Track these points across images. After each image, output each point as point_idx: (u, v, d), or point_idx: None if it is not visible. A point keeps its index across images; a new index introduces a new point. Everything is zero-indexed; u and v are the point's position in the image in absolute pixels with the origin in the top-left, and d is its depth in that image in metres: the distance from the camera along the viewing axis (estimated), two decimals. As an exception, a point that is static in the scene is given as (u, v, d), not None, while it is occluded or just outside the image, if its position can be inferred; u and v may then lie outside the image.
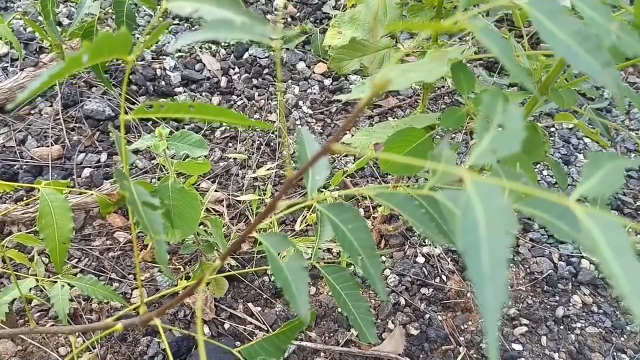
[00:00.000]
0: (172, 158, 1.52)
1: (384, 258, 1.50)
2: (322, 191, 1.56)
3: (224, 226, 1.50)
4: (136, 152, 1.66)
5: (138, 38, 2.00)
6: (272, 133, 1.76)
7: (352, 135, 1.13)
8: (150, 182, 1.61)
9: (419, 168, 0.88)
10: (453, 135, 1.76)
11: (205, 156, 1.57)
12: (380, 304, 1.39)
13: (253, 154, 1.70)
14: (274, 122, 1.80)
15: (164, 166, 1.62)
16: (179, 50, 1.99)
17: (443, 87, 1.95)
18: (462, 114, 0.84)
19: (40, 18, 1.90)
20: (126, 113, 0.46)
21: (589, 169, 0.29)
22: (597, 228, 0.25)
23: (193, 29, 2.08)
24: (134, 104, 1.78)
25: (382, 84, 0.29)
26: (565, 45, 0.30)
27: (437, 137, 1.43)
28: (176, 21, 2.10)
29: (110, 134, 1.72)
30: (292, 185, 0.38)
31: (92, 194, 1.06)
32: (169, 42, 1.99)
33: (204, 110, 0.45)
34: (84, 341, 1.32)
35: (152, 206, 0.45)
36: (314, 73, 1.98)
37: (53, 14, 1.25)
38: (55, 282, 1.09)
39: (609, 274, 0.24)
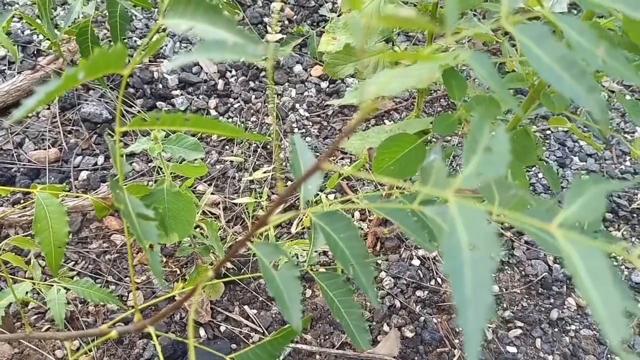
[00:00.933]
0: (168, 161, 1.52)
1: (379, 261, 1.50)
2: (318, 194, 1.57)
3: (220, 229, 1.51)
4: (132, 154, 1.66)
5: (135, 41, 2.01)
6: (269, 136, 1.76)
7: (347, 139, 1.13)
8: (147, 184, 1.61)
9: (411, 173, 0.89)
10: (448, 138, 1.77)
11: (202, 159, 1.58)
12: (375, 307, 1.40)
13: (250, 157, 1.71)
14: (270, 124, 1.81)
15: (160, 169, 1.62)
16: (175, 53, 2.00)
17: (439, 90, 1.95)
18: (454, 120, 0.84)
19: (38, 21, 1.91)
20: (123, 116, 0.47)
21: (572, 194, 0.30)
22: (576, 254, 0.25)
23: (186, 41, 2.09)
24: (131, 106, 1.78)
25: (371, 107, 0.30)
26: (550, 70, 0.31)
27: (434, 140, 1.43)
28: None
29: (97, 138, 1.72)
30: (284, 200, 0.39)
31: (87, 198, 1.06)
32: (166, 45, 2.00)
33: (199, 123, 0.45)
34: (80, 344, 1.32)
35: (147, 217, 0.46)
36: (311, 76, 1.98)
37: (50, 12, 1.25)
38: (52, 285, 1.09)
39: (586, 300, 0.24)
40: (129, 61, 0.42)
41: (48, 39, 1.78)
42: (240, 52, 0.35)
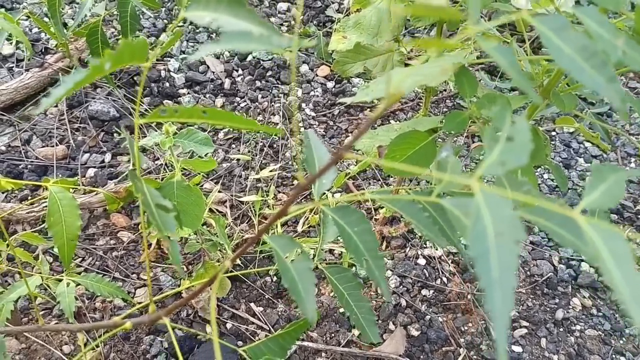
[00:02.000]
0: (178, 156, 1.53)
1: (385, 259, 1.51)
2: (324, 193, 1.58)
3: (227, 227, 1.51)
4: (142, 150, 1.67)
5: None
6: (275, 135, 1.77)
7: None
8: (154, 182, 1.62)
9: (422, 170, 0.89)
10: (455, 138, 1.78)
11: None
12: (381, 305, 1.41)
13: (256, 156, 1.71)
14: (277, 124, 1.82)
15: (167, 166, 1.63)
16: (182, 52, 2.00)
17: (445, 90, 1.96)
18: (464, 118, 0.85)
19: (46, 19, 1.92)
20: (130, 114, 0.48)
21: (594, 181, 0.30)
22: (599, 238, 0.26)
23: (198, 33, 2.09)
24: (139, 105, 1.79)
25: (396, 96, 0.31)
26: (571, 61, 0.32)
27: (440, 140, 1.44)
28: (180, 23, 2.11)
29: (115, 134, 1.73)
30: (304, 190, 0.39)
31: (97, 193, 1.07)
32: (174, 44, 2.01)
33: (217, 116, 0.46)
34: (88, 340, 1.33)
35: (166, 209, 0.46)
36: (317, 76, 1.99)
37: (59, 13, 1.26)
38: (60, 280, 1.10)
39: (610, 281, 0.25)
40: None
41: (61, 47, 1.79)
42: (266, 42, 0.36)
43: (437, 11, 0.27)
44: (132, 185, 0.46)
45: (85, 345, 1.33)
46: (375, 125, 1.85)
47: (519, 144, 0.30)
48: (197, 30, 2.08)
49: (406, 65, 1.18)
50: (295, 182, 1.66)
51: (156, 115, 0.46)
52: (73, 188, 0.95)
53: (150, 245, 1.50)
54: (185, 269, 1.46)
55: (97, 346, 1.29)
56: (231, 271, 1.45)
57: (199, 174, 1.51)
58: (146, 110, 1.78)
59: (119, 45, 0.35)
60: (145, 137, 1.69)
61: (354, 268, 1.42)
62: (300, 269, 0.53)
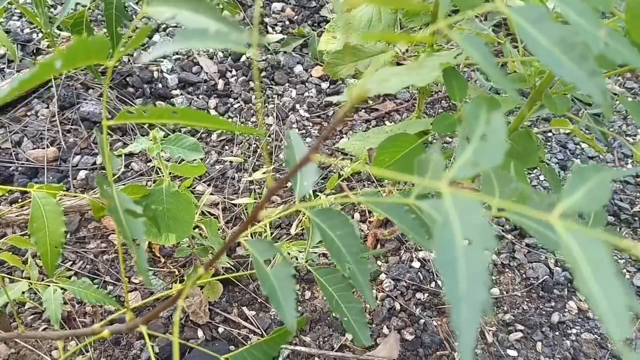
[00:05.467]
0: (167, 160, 1.51)
1: (379, 262, 1.49)
2: (318, 195, 1.56)
3: (219, 229, 1.50)
4: (131, 154, 1.65)
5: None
6: (269, 136, 1.75)
7: (348, 140, 1.12)
8: (146, 184, 1.60)
9: (411, 173, 0.87)
10: (449, 139, 1.76)
11: (201, 159, 1.56)
12: (375, 309, 1.39)
13: (249, 158, 1.70)
14: (271, 125, 1.80)
15: (159, 168, 1.61)
16: (176, 52, 1.99)
17: (440, 91, 1.94)
18: (454, 120, 0.83)
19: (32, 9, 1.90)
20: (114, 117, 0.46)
21: (573, 182, 0.28)
22: (577, 245, 0.24)
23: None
24: (130, 106, 1.77)
25: (360, 95, 0.29)
26: (549, 54, 0.30)
27: (434, 141, 1.42)
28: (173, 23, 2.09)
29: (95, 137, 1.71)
30: (275, 194, 0.37)
31: (85, 198, 1.05)
32: (155, 42, 1.99)
33: (187, 116, 0.44)
34: (77, 344, 1.31)
35: (135, 214, 0.44)
36: (311, 76, 1.97)
37: (45, 2, 1.24)
38: (49, 285, 1.08)
39: (586, 293, 0.23)
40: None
41: (46, 37, 1.77)
42: (223, 40, 0.34)
43: (395, 2, 0.26)
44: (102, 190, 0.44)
45: (75, 353, 1.31)
46: (369, 127, 1.84)
47: (493, 143, 0.28)
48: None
49: (399, 64, 1.16)
50: (289, 184, 1.64)
51: (124, 117, 0.44)
52: (60, 192, 0.92)
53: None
54: (176, 273, 1.44)
55: (87, 351, 1.27)
56: (223, 274, 1.43)
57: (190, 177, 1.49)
58: (138, 112, 1.76)
59: (72, 43, 0.33)
60: (134, 139, 1.67)
61: (346, 270, 1.40)
62: (279, 275, 0.51)
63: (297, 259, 1.37)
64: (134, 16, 2.03)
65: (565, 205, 0.27)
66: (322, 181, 1.64)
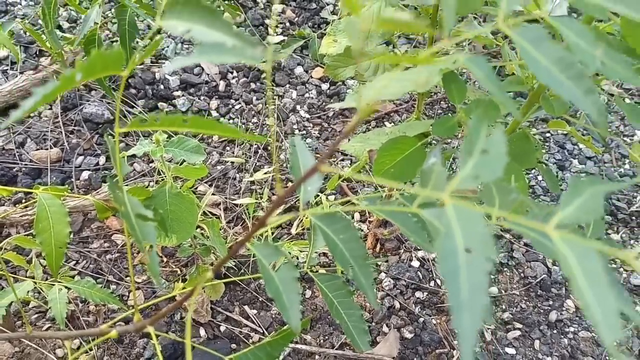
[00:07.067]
0: (169, 162, 1.53)
1: (379, 262, 1.51)
2: (318, 195, 1.57)
3: (220, 229, 1.51)
4: (134, 155, 1.67)
5: (138, 42, 2.01)
6: (269, 137, 1.77)
7: (348, 141, 1.14)
8: (148, 185, 1.62)
9: (411, 176, 0.89)
10: (448, 140, 1.77)
11: (203, 160, 1.58)
12: (374, 308, 1.40)
13: (250, 158, 1.71)
14: (272, 126, 1.81)
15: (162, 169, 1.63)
16: (177, 54, 2.00)
17: (439, 92, 1.95)
18: (454, 123, 0.84)
19: (40, 21, 1.91)
20: (124, 117, 0.47)
21: (569, 195, 0.30)
22: (572, 255, 0.25)
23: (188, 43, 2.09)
24: (132, 107, 1.78)
25: (368, 110, 0.30)
26: (548, 73, 0.31)
27: (434, 142, 1.43)
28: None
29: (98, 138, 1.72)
30: (283, 202, 0.39)
31: (89, 199, 1.06)
32: (167, 46, 2.00)
33: (198, 124, 0.46)
34: (81, 343, 1.33)
35: (145, 218, 0.46)
36: (312, 78, 1.99)
37: (53, 23, 1.26)
38: (53, 284, 1.10)
39: (581, 302, 0.24)
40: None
41: (57, 59, 1.78)
42: (239, 55, 0.35)
43: (403, 25, 0.27)
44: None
45: (78, 348, 1.32)
46: (369, 128, 1.85)
47: (494, 157, 0.30)
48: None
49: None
50: (290, 184, 1.65)
51: (137, 124, 0.46)
52: (65, 193, 0.94)
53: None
54: (179, 272, 1.45)
55: (91, 350, 1.29)
56: (225, 274, 1.45)
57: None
58: (140, 112, 1.77)
59: (90, 56, 0.35)
60: (137, 140, 1.69)
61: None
62: (284, 278, 0.53)
63: (297, 258, 1.39)
64: (146, 31, 2.04)
65: (560, 216, 0.28)
66: (323, 181, 1.65)
